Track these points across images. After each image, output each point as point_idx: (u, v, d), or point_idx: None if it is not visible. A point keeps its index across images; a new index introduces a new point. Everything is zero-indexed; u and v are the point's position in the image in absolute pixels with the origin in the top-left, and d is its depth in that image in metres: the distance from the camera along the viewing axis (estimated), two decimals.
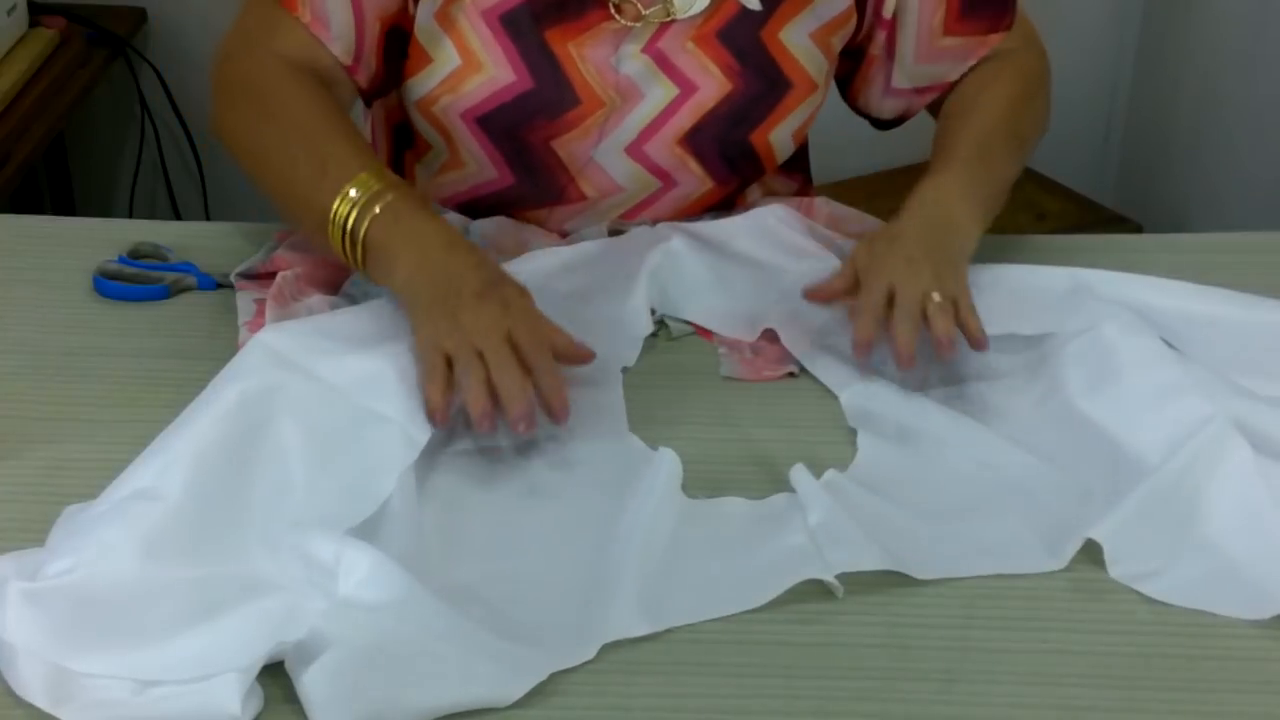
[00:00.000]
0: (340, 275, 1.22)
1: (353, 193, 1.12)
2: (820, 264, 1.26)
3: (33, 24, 2.23)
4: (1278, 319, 1.20)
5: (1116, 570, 0.99)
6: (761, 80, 1.29)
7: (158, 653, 0.88)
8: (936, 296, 1.13)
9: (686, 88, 1.28)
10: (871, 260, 1.17)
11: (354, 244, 1.12)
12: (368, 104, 1.35)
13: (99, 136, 2.56)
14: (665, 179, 1.32)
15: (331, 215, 1.12)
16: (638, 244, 1.26)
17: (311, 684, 0.87)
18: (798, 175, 1.46)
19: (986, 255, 1.28)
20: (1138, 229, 2.34)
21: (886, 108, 1.39)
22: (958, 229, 1.21)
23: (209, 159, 2.55)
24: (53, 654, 0.87)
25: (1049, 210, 2.40)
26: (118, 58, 2.39)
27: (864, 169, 2.49)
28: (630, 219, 1.33)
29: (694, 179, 1.32)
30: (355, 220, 1.11)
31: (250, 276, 1.26)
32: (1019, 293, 1.23)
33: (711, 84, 1.28)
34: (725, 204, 1.37)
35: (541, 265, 1.24)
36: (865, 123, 1.44)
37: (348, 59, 1.23)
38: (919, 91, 1.36)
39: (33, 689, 0.87)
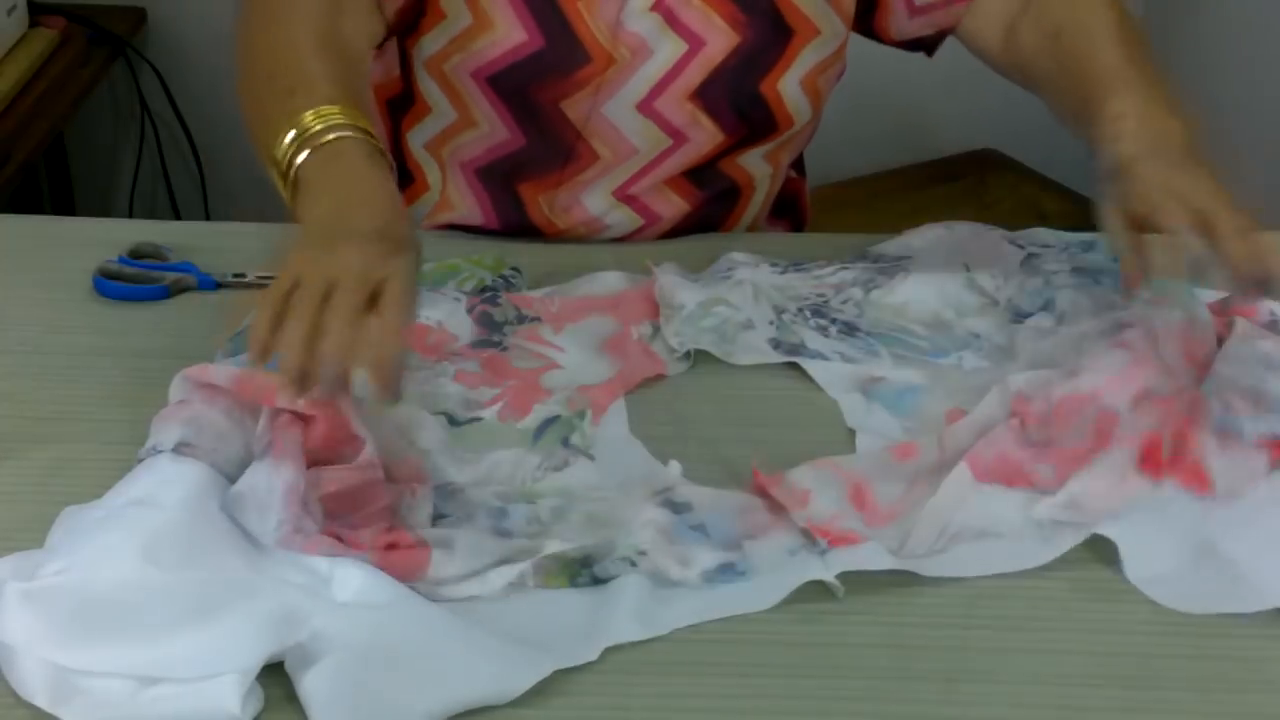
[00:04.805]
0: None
1: (307, 119, 1.03)
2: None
3: (33, 24, 2.23)
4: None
5: (1131, 573, 0.99)
6: (767, 29, 1.29)
7: (158, 651, 0.87)
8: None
9: (695, 43, 1.28)
10: (1150, 181, 1.14)
11: (287, 177, 1.04)
12: (382, 44, 1.29)
13: (99, 136, 2.56)
14: (677, 136, 1.32)
15: (278, 142, 1.04)
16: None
17: (313, 685, 0.87)
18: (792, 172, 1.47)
19: None
20: None
21: (913, 29, 1.37)
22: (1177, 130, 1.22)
23: (209, 159, 2.55)
24: (51, 651, 0.87)
25: (1049, 210, 2.40)
26: (118, 58, 2.39)
27: (864, 169, 2.49)
28: (643, 177, 1.33)
29: (705, 134, 1.32)
30: (295, 151, 1.03)
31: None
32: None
33: (719, 38, 1.28)
34: (739, 146, 1.35)
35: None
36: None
37: None
38: (948, 2, 1.35)
39: (33, 689, 0.87)
